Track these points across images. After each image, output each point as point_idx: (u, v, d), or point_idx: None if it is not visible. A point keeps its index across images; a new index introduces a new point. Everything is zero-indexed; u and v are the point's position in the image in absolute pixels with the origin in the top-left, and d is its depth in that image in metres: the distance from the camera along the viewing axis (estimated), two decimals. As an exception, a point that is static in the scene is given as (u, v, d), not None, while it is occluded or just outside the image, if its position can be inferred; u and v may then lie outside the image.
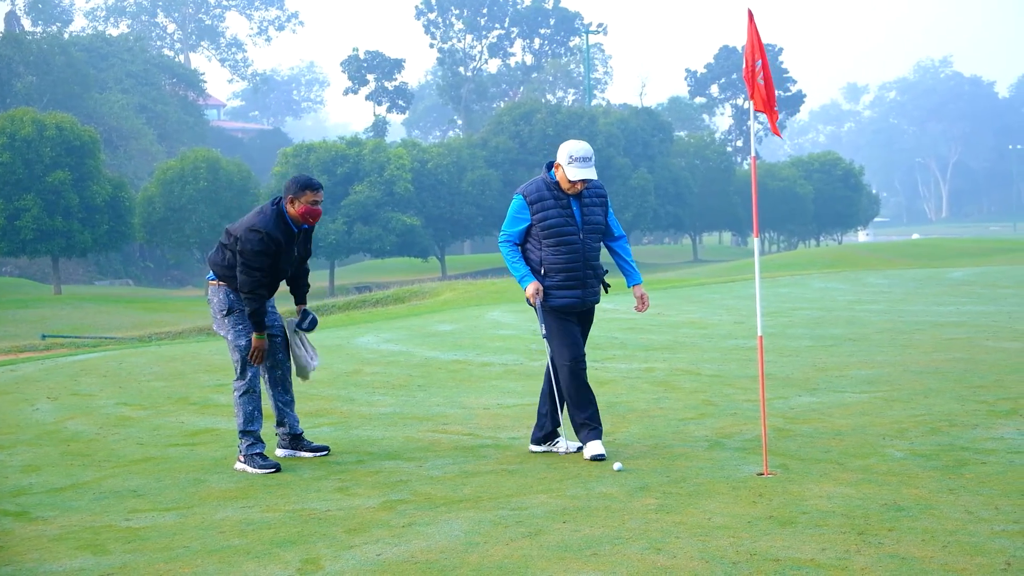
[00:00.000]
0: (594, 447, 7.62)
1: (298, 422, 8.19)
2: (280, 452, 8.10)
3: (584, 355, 7.76)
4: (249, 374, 7.78)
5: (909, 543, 5.42)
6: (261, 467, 7.60)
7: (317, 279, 65.47)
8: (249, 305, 7.58)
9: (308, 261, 8.14)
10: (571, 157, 7.52)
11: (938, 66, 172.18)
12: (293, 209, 7.55)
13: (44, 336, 30.92)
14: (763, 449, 7.22)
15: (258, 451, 7.72)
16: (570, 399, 7.73)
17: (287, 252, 7.67)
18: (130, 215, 53.00)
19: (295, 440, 8.12)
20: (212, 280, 7.91)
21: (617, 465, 7.27)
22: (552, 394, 7.84)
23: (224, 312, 7.80)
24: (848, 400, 9.60)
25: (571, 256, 7.67)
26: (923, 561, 5.15)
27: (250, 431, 7.73)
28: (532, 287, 7.66)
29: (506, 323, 17.36)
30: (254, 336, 7.67)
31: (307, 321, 8.06)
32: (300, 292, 8.13)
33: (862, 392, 9.99)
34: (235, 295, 7.75)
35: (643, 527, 5.86)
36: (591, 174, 7.55)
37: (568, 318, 7.76)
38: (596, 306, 7.97)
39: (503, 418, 9.38)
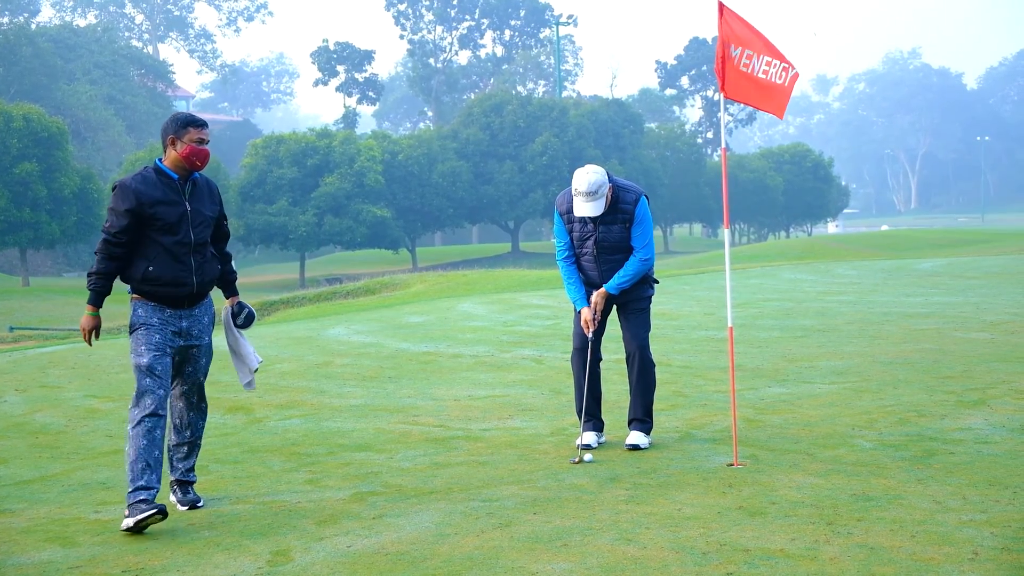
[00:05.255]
0: (585, 437, 7.68)
1: (192, 468, 6.71)
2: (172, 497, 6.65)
3: (590, 346, 7.79)
4: (149, 400, 6.18)
5: (878, 533, 5.45)
6: (144, 512, 5.93)
7: (287, 271, 65.37)
8: (95, 265, 6.28)
9: (228, 244, 6.87)
10: (575, 190, 7.43)
11: (907, 58, 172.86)
12: (176, 152, 6.31)
13: (12, 328, 30.74)
14: (733, 440, 7.25)
15: (142, 498, 6.03)
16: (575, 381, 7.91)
17: (172, 206, 6.29)
18: (98, 207, 52.44)
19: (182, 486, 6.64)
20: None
21: (588, 457, 7.29)
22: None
23: (130, 328, 6.40)
24: (818, 391, 9.65)
25: (588, 266, 7.77)
26: (892, 551, 5.18)
27: (139, 484, 6.08)
28: (583, 318, 7.73)
29: (477, 315, 17.34)
30: (87, 311, 6.34)
31: (243, 316, 6.79)
32: (226, 280, 6.78)
33: (831, 383, 10.03)
34: (142, 309, 6.31)
35: (613, 518, 5.87)
36: (589, 211, 7.41)
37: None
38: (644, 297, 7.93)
39: (474, 409, 9.38)
